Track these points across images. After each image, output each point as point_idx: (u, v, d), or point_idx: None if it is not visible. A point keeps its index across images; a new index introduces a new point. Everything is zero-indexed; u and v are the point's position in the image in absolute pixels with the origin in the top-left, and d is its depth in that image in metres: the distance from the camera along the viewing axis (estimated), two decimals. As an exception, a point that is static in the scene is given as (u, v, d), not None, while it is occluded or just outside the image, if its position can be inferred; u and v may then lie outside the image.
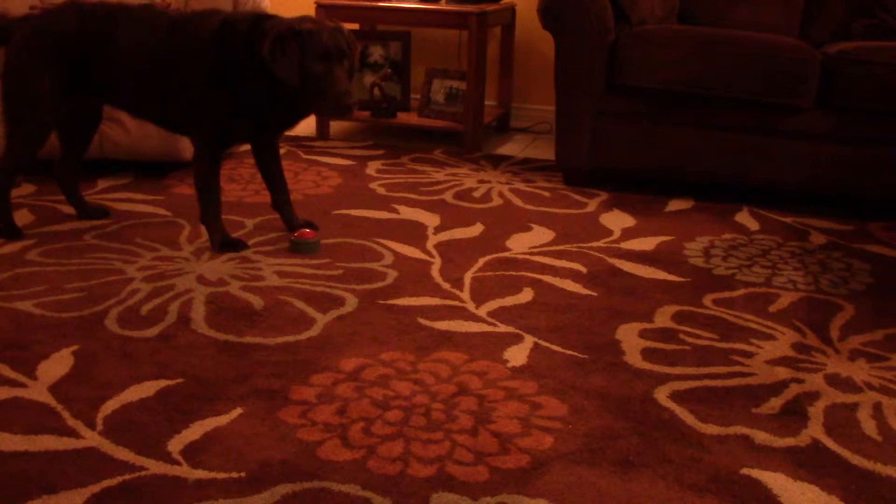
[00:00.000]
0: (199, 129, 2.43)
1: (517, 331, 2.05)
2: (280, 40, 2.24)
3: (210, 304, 2.14)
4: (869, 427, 1.69)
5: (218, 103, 2.36)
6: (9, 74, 2.46)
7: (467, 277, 2.36)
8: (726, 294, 2.31)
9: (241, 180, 3.18)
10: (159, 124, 2.56)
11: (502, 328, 2.06)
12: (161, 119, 2.52)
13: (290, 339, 1.98)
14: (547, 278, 2.37)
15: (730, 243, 2.70)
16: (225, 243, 2.49)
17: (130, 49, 2.41)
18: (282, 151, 3.61)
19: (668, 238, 2.73)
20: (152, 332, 1.99)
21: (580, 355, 1.95)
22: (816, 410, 1.75)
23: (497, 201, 3.05)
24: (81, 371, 1.81)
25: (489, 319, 2.11)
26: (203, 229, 2.57)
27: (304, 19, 2.30)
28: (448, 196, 3.09)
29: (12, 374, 1.79)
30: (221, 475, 1.48)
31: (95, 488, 1.43)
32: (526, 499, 1.45)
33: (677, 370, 1.89)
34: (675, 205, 3.09)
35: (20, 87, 2.46)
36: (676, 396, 1.78)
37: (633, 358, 1.94)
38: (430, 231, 2.72)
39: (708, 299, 2.28)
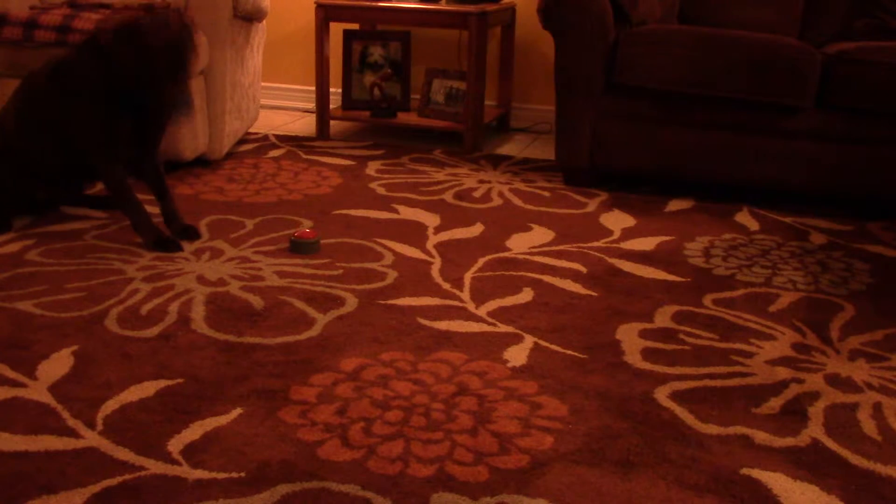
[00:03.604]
0: (92, 148, 2.51)
1: (517, 331, 2.05)
2: (120, 37, 2.36)
3: (210, 304, 2.14)
4: (869, 427, 1.70)
5: (96, 116, 2.47)
6: None
7: (467, 277, 2.36)
8: (726, 294, 2.31)
9: (240, 180, 3.19)
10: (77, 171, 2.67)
11: (502, 328, 2.06)
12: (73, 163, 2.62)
13: (290, 339, 1.98)
14: (547, 278, 2.37)
15: (730, 243, 2.70)
16: (157, 242, 2.50)
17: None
18: (282, 152, 3.61)
19: (668, 238, 2.74)
20: (152, 332, 1.99)
21: (580, 355, 1.95)
22: (816, 410, 1.75)
23: (497, 201, 3.05)
24: (81, 371, 1.81)
25: (489, 319, 2.11)
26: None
27: (140, 18, 2.41)
28: (448, 196, 3.09)
29: (12, 374, 1.79)
30: (221, 475, 1.48)
31: (95, 488, 1.43)
32: (526, 499, 1.45)
33: (677, 370, 1.89)
34: (675, 205, 3.09)
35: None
36: (676, 396, 1.78)
37: (633, 358, 1.94)
38: (430, 231, 2.72)
39: (708, 299, 2.28)
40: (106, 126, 2.47)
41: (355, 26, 4.15)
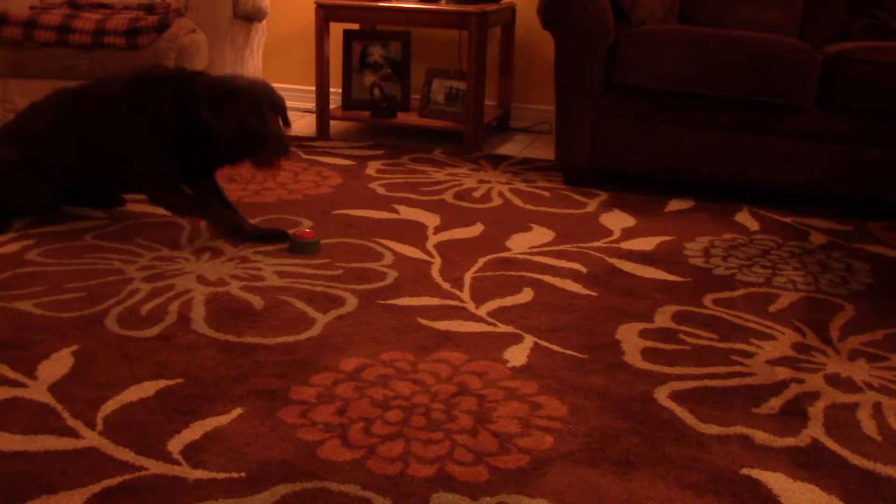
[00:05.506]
0: (143, 178, 2.58)
1: (517, 331, 2.05)
2: (216, 100, 2.41)
3: (210, 304, 2.14)
4: (869, 427, 1.70)
5: (151, 154, 2.53)
6: None
7: (467, 277, 2.36)
8: (726, 294, 2.31)
9: (241, 180, 3.19)
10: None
11: (502, 328, 2.06)
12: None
13: (290, 339, 1.98)
14: (547, 278, 2.37)
15: (730, 243, 2.70)
16: (253, 234, 2.57)
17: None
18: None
19: (668, 238, 2.73)
20: (152, 332, 1.99)
21: (580, 355, 1.95)
22: (816, 410, 1.75)
23: (497, 201, 3.05)
24: (81, 371, 1.81)
25: (489, 319, 2.11)
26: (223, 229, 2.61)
27: (235, 77, 2.49)
28: (448, 196, 3.09)
29: (12, 374, 1.79)
30: (221, 475, 1.48)
31: (95, 488, 1.43)
32: (526, 499, 1.45)
33: (677, 370, 1.89)
34: (675, 205, 3.09)
35: None
36: (676, 396, 1.78)
37: (633, 358, 1.94)
38: (430, 231, 2.72)
39: (708, 299, 2.28)
40: (165, 162, 2.53)
41: (355, 26, 4.15)
